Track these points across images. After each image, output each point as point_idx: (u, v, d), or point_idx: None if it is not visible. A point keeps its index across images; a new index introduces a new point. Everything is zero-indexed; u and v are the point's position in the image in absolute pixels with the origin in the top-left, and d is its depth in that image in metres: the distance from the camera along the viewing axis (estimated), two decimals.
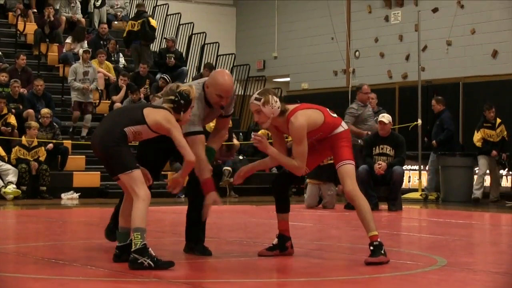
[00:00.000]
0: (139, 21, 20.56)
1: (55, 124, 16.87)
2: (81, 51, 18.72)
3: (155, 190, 17.54)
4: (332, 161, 13.84)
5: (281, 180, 6.97)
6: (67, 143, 17.12)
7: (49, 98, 17.81)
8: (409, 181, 17.82)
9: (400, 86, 21.02)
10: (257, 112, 6.56)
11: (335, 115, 6.80)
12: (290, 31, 24.11)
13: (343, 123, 6.79)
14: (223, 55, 22.30)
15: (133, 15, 21.66)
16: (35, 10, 21.37)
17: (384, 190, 13.65)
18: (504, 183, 17.30)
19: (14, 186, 15.56)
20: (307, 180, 14.33)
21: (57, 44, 20.49)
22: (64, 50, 20.19)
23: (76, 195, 16.27)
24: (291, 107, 6.64)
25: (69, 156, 16.81)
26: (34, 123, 16.21)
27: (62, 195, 16.18)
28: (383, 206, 13.63)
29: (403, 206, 13.67)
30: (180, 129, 6.21)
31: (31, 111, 16.99)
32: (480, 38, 19.46)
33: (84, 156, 17.28)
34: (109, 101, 18.98)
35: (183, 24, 22.85)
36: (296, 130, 6.50)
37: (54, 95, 18.47)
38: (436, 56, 20.21)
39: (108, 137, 6.12)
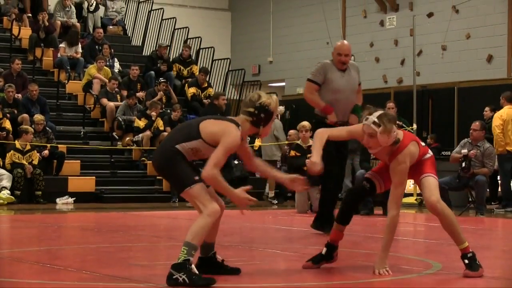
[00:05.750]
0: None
1: (48, 129, 16.84)
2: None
3: (151, 195, 17.63)
4: None
5: (355, 193, 6.63)
6: (62, 147, 17.10)
7: (44, 102, 17.79)
8: None
9: (395, 90, 21.05)
10: (370, 136, 6.12)
11: (423, 143, 6.48)
12: (285, 36, 24.13)
13: (429, 151, 6.48)
14: (218, 59, 22.31)
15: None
16: (30, 15, 21.35)
17: (380, 195, 13.61)
18: None
19: (8, 192, 15.54)
20: None
21: (52, 49, 20.49)
22: (59, 55, 20.19)
23: (71, 199, 16.23)
24: (401, 137, 6.20)
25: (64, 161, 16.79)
26: (30, 128, 16.20)
27: (57, 200, 16.15)
28: (378, 211, 13.63)
29: None
30: (228, 148, 5.68)
31: (26, 115, 16.98)
32: (475, 43, 19.50)
33: (79, 161, 17.26)
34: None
35: (178, 29, 22.86)
36: (400, 172, 6.16)
37: (49, 99, 18.45)
38: (431, 60, 20.24)
39: (161, 156, 5.79)
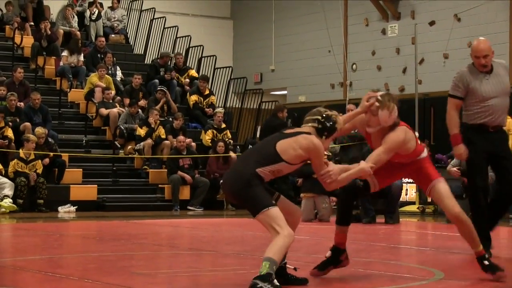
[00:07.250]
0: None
1: (51, 140, 16.79)
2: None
3: (152, 203, 17.60)
4: None
5: (349, 192, 6.51)
6: (64, 156, 17.10)
7: (46, 111, 17.80)
8: (406, 194, 17.80)
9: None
10: (372, 114, 6.24)
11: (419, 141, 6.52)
12: (287, 44, 24.15)
13: (425, 149, 6.50)
14: (220, 68, 22.32)
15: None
16: (32, 23, 21.39)
17: (382, 203, 13.64)
18: None
19: (11, 200, 15.54)
20: (302, 194, 14.28)
21: (54, 57, 20.51)
22: (61, 63, 20.21)
23: (73, 208, 16.23)
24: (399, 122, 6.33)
25: (66, 169, 16.78)
26: (32, 137, 16.17)
27: (59, 208, 16.15)
28: (381, 219, 13.62)
29: (400, 219, 13.66)
30: (322, 156, 5.86)
31: (28, 124, 16.98)
32: None
33: (81, 169, 17.26)
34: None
35: (180, 37, 22.88)
36: (392, 139, 6.18)
37: (51, 108, 18.46)
38: (433, 69, 20.24)
39: (237, 182, 5.73)
